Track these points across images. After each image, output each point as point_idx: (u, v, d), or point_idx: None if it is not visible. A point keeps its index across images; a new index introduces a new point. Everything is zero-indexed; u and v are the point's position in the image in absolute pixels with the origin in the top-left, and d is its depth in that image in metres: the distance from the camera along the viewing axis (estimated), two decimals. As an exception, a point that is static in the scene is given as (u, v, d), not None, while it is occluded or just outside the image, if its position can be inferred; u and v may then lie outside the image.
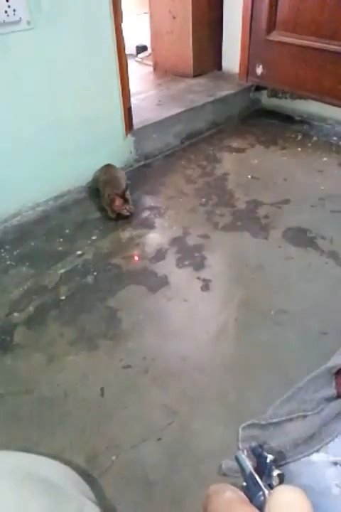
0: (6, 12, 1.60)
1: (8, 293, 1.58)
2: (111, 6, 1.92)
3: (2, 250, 1.79)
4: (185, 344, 1.37)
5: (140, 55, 3.56)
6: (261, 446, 0.70)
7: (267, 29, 2.60)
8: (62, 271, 1.67)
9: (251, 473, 0.64)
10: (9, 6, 1.60)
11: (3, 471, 0.57)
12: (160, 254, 1.73)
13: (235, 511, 0.57)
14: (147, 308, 1.50)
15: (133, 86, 2.37)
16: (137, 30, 3.54)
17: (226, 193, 2.10)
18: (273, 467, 0.63)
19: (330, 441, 1.05)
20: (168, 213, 1.98)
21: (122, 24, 2.01)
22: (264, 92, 2.95)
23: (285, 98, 2.85)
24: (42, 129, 1.88)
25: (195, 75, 2.98)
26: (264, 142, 2.56)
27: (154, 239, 1.84)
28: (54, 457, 0.72)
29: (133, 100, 2.30)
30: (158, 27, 3.05)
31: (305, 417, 1.11)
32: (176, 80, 3.00)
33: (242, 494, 0.59)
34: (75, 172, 2.09)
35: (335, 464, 1.02)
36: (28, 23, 1.68)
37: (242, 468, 0.67)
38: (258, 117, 2.88)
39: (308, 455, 1.03)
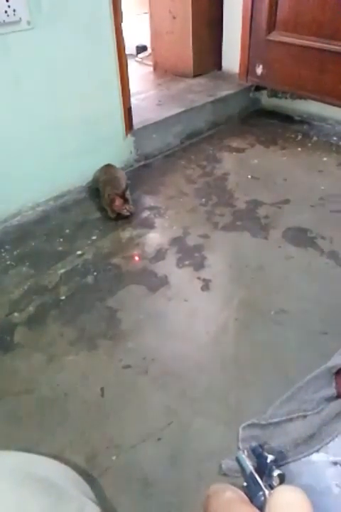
0: (6, 12, 1.60)
1: (8, 293, 1.58)
2: (111, 6, 1.92)
3: (2, 250, 1.79)
4: (185, 344, 1.37)
5: (140, 55, 3.56)
6: (261, 446, 0.70)
7: (267, 29, 2.60)
8: (62, 271, 1.67)
9: (251, 473, 0.64)
10: (9, 6, 1.61)
11: (3, 470, 0.57)
12: (160, 254, 1.73)
13: (235, 511, 0.57)
14: (147, 309, 1.50)
15: (133, 86, 2.37)
16: (137, 30, 3.54)
17: (226, 193, 2.10)
18: (274, 467, 0.63)
19: (330, 441, 1.05)
20: (168, 213, 1.98)
21: (122, 24, 2.01)
22: (264, 92, 2.95)
23: (285, 98, 2.85)
24: (42, 129, 1.88)
25: (195, 75, 2.98)
26: (264, 142, 2.56)
27: (154, 239, 1.84)
28: (54, 457, 0.72)
29: (133, 100, 2.30)
30: (158, 27, 3.05)
31: (305, 417, 1.11)
32: (176, 79, 3.00)
33: (242, 494, 0.59)
34: (75, 172, 2.09)
35: (335, 463, 1.02)
36: (28, 23, 1.68)
37: (242, 469, 0.67)
38: (258, 117, 2.88)
39: (308, 455, 1.03)
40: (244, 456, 0.69)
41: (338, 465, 1.01)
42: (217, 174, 2.27)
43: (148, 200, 2.08)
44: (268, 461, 0.66)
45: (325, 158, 2.36)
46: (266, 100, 2.98)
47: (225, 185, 2.17)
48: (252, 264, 1.67)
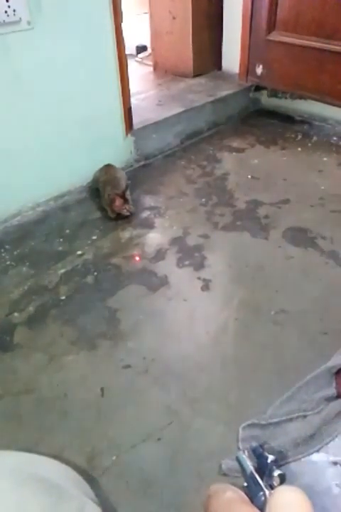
0: (6, 12, 1.60)
1: (8, 293, 1.58)
2: (111, 6, 1.92)
3: (2, 250, 1.79)
4: (185, 344, 1.37)
5: (140, 55, 3.56)
6: (261, 446, 0.70)
7: (267, 29, 2.60)
8: (62, 271, 1.67)
9: (251, 474, 0.65)
10: (9, 6, 1.60)
11: (4, 470, 0.57)
12: (160, 254, 1.73)
13: (236, 511, 0.57)
14: (147, 308, 1.50)
15: (133, 86, 2.37)
16: (137, 30, 3.54)
17: (226, 193, 2.10)
18: (274, 467, 0.63)
19: (330, 441, 1.06)
20: (168, 213, 1.98)
21: (122, 24, 2.01)
22: (264, 92, 2.95)
23: (285, 98, 2.85)
24: (42, 129, 1.88)
25: (195, 75, 2.98)
26: (264, 142, 2.56)
27: (154, 239, 1.84)
28: (54, 457, 0.72)
29: (133, 100, 2.30)
30: (158, 27, 3.05)
31: (305, 417, 1.11)
32: (176, 79, 3.00)
33: (243, 494, 0.60)
34: (75, 172, 2.09)
35: (335, 463, 1.02)
36: (28, 23, 1.68)
37: (243, 469, 0.67)
38: (258, 117, 2.88)
39: (308, 455, 1.03)
40: (244, 456, 0.69)
41: (338, 465, 1.01)
42: (217, 174, 2.27)
43: (148, 200, 2.08)
44: (269, 461, 0.66)
45: (325, 158, 2.36)
46: (266, 100, 2.98)
47: (225, 185, 2.17)
48: (252, 264, 1.67)
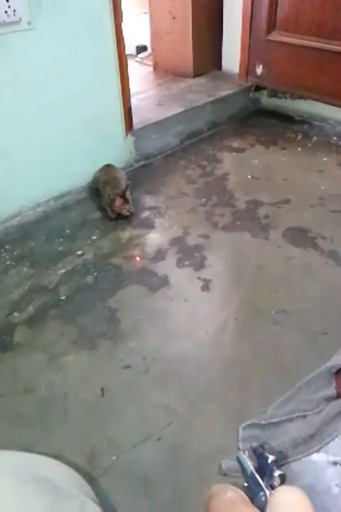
0: (6, 12, 1.60)
1: (8, 293, 1.58)
2: (111, 6, 1.92)
3: (2, 250, 1.79)
4: (185, 344, 1.37)
5: (140, 55, 3.56)
6: (262, 446, 0.70)
7: (267, 29, 2.60)
8: (63, 271, 1.67)
9: (252, 474, 0.64)
10: (9, 7, 1.60)
11: (5, 470, 0.57)
12: (160, 254, 1.73)
13: (237, 511, 0.57)
14: (147, 308, 1.50)
15: (133, 86, 2.37)
16: (137, 30, 3.54)
17: (226, 193, 2.10)
18: (275, 467, 0.63)
19: (330, 441, 1.06)
20: (168, 213, 1.98)
21: (122, 24, 2.01)
22: (264, 92, 2.95)
23: (285, 98, 2.85)
24: (42, 129, 1.88)
25: (195, 75, 2.98)
26: (264, 142, 2.56)
27: (154, 239, 1.84)
28: (54, 457, 0.72)
29: (133, 100, 2.30)
30: (158, 27, 3.05)
31: (305, 416, 1.11)
32: (176, 79, 3.00)
33: (243, 494, 0.60)
34: (75, 172, 2.09)
35: (335, 463, 1.02)
36: (29, 23, 1.68)
37: (243, 469, 0.67)
38: (258, 117, 2.88)
39: (308, 455, 1.03)
40: (245, 456, 0.69)
41: (338, 465, 1.01)
42: (217, 174, 2.27)
43: (148, 200, 2.08)
44: (269, 461, 0.66)
45: (325, 158, 2.36)
46: (266, 100, 2.98)
47: (225, 186, 2.17)
48: (252, 264, 1.67)
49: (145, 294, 1.55)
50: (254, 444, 0.71)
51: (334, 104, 2.49)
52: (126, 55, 2.10)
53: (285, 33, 2.53)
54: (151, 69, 3.26)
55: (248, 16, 2.67)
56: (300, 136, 2.61)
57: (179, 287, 1.57)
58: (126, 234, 1.86)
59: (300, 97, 2.75)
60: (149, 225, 1.91)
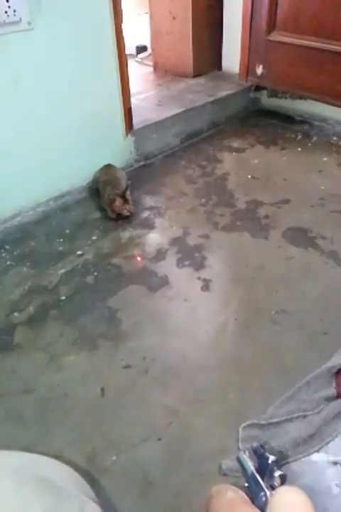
0: (6, 12, 1.60)
1: (8, 293, 1.58)
2: (111, 6, 1.92)
3: (2, 250, 1.79)
4: (185, 344, 1.37)
5: (140, 55, 3.56)
6: (262, 446, 0.70)
7: (267, 29, 2.60)
8: (63, 271, 1.67)
9: (252, 474, 0.65)
10: (9, 7, 1.60)
11: (5, 470, 0.57)
12: (160, 254, 1.73)
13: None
14: (147, 308, 1.50)
15: (133, 86, 2.37)
16: (137, 30, 3.54)
17: (227, 193, 2.10)
18: (275, 468, 0.63)
19: (330, 441, 1.06)
20: (168, 213, 1.98)
21: (122, 24, 2.01)
22: (264, 92, 2.95)
23: (285, 98, 2.85)
24: (42, 129, 1.88)
25: (195, 75, 2.98)
26: (264, 142, 2.56)
27: (154, 239, 1.84)
28: (55, 457, 0.72)
29: (133, 100, 2.30)
30: (158, 27, 3.05)
31: (305, 417, 1.11)
32: (176, 80, 2.99)
33: (244, 495, 0.60)
34: (75, 172, 2.09)
35: (335, 463, 1.02)
36: (29, 23, 1.68)
37: (244, 469, 0.68)
38: (258, 117, 2.88)
39: (308, 455, 1.03)
40: (245, 456, 0.69)
41: (338, 465, 1.01)
42: (217, 174, 2.27)
43: (148, 201, 2.08)
44: (270, 461, 0.66)
45: (325, 158, 2.36)
46: (266, 100, 2.98)
47: (225, 186, 2.17)
48: (252, 264, 1.67)
49: (145, 294, 1.55)
50: (255, 445, 0.71)
51: (334, 104, 2.49)
52: (126, 55, 2.10)
53: (285, 33, 2.53)
54: (151, 69, 3.26)
55: (248, 16, 2.67)
56: (300, 136, 2.61)
57: (179, 287, 1.57)
58: (126, 234, 1.86)
59: (300, 97, 2.75)
60: (149, 225, 1.91)
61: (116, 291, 1.57)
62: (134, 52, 3.57)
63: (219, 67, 3.08)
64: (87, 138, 2.07)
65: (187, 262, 1.68)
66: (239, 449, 1.04)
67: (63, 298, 1.55)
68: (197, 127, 2.64)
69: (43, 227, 1.93)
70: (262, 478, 0.62)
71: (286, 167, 2.30)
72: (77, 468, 0.74)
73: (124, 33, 2.04)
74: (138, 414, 1.17)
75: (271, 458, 0.65)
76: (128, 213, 1.91)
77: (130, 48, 3.13)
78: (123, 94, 2.14)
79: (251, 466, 0.66)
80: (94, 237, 1.84)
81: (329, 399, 1.13)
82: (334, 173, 2.24)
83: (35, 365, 1.32)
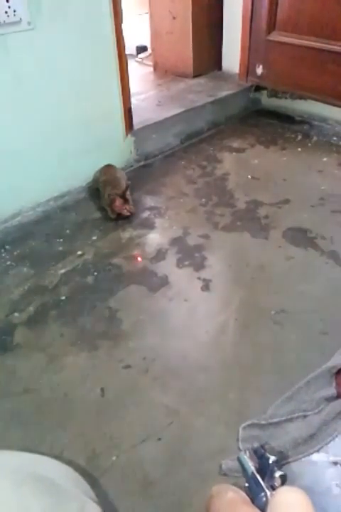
0: (6, 13, 1.60)
1: (8, 293, 1.58)
2: (111, 6, 1.92)
3: (2, 250, 1.79)
4: (185, 344, 1.37)
5: (140, 55, 3.56)
6: (263, 447, 0.70)
7: (267, 29, 2.60)
8: (63, 271, 1.67)
9: (253, 474, 0.65)
10: (9, 7, 1.60)
11: (4, 470, 0.57)
12: (160, 255, 1.73)
13: None
14: (147, 309, 1.50)
15: (133, 86, 2.37)
16: (137, 30, 3.54)
17: (227, 193, 2.10)
18: (276, 468, 0.63)
19: (330, 441, 1.06)
20: (168, 213, 1.98)
21: (122, 24, 2.01)
22: (264, 92, 2.95)
23: (285, 98, 2.85)
24: (42, 129, 1.88)
25: (195, 75, 2.98)
26: (264, 142, 2.56)
27: (154, 239, 1.84)
28: (55, 457, 0.72)
29: (133, 100, 2.30)
30: (158, 27, 3.05)
31: (305, 417, 1.11)
32: (176, 80, 3.00)
33: (244, 495, 0.60)
34: (75, 172, 2.09)
35: (335, 463, 1.02)
36: (29, 23, 1.68)
37: (244, 469, 0.67)
38: (258, 117, 2.88)
39: (308, 455, 1.03)
40: (245, 456, 0.69)
41: (338, 465, 1.01)
42: (217, 174, 2.27)
43: (149, 201, 2.08)
44: (270, 462, 0.66)
45: (325, 158, 2.36)
46: (266, 100, 2.98)
47: (225, 186, 2.17)
48: (252, 264, 1.67)
49: (145, 294, 1.55)
50: (255, 445, 0.71)
51: (334, 104, 2.49)
52: (126, 55, 2.10)
53: (285, 33, 2.53)
54: (151, 69, 3.26)
55: (248, 16, 2.67)
56: (300, 136, 2.61)
57: (179, 287, 1.57)
58: (126, 234, 1.86)
59: (300, 97, 2.75)
60: (149, 225, 1.91)
61: (116, 291, 1.57)
62: (134, 52, 3.57)
63: (219, 67, 3.08)
64: (87, 138, 2.07)
65: (187, 262, 1.68)
66: (239, 449, 1.04)
67: (63, 298, 1.55)
68: (197, 127, 2.64)
69: (43, 227, 1.93)
70: (263, 479, 0.62)
71: (286, 167, 2.30)
72: (77, 468, 0.74)
73: (124, 33, 2.04)
74: (138, 414, 1.17)
75: (272, 458, 0.65)
76: (128, 213, 1.91)
77: (130, 48, 3.13)
78: (123, 94, 2.14)
79: (251, 466, 0.66)
80: (94, 237, 1.84)
81: (329, 399, 1.13)
82: (334, 173, 2.24)
83: (35, 366, 1.32)
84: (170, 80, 3.03)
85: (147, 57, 3.47)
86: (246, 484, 0.63)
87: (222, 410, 1.16)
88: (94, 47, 1.95)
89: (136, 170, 2.34)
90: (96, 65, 1.99)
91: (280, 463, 0.87)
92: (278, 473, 0.62)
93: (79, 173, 2.10)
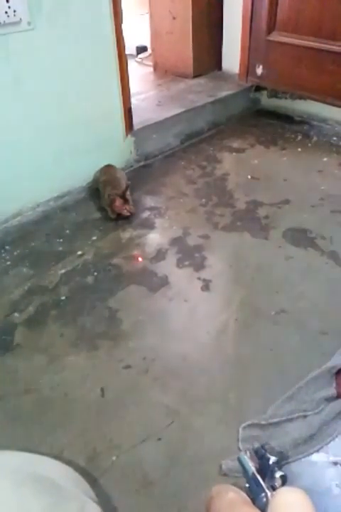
0: (6, 13, 1.60)
1: (8, 293, 1.58)
2: (111, 6, 1.92)
3: (2, 251, 1.79)
4: (185, 344, 1.37)
5: (140, 56, 3.56)
6: (263, 447, 0.70)
7: (267, 29, 2.60)
8: (63, 271, 1.67)
9: (253, 475, 0.65)
10: (9, 7, 1.60)
11: (4, 470, 0.57)
12: (160, 255, 1.73)
13: (237, 512, 0.57)
14: (147, 309, 1.50)
15: (133, 86, 2.37)
16: (137, 30, 3.54)
17: (227, 194, 2.10)
18: (276, 469, 0.63)
19: (330, 441, 1.06)
20: (168, 213, 1.98)
21: (122, 24, 2.01)
22: (264, 92, 2.95)
23: (285, 98, 2.85)
24: (42, 129, 1.88)
25: (195, 76, 2.98)
26: (264, 142, 2.56)
27: (154, 239, 1.84)
28: (55, 457, 0.72)
29: (133, 100, 2.30)
30: (158, 27, 3.05)
31: (305, 417, 1.11)
32: (176, 80, 3.00)
33: (245, 495, 0.60)
34: (75, 172, 2.09)
35: (335, 463, 1.02)
36: (29, 23, 1.68)
37: (245, 470, 0.67)
38: (258, 117, 2.88)
39: (308, 455, 1.03)
40: (246, 457, 0.69)
41: (338, 465, 1.01)
42: (217, 174, 2.27)
43: (149, 201, 2.08)
44: (271, 462, 0.66)
45: (325, 159, 2.36)
46: (266, 100, 2.98)
47: (225, 186, 2.17)
48: (252, 264, 1.67)
49: (145, 294, 1.55)
50: (256, 445, 0.71)
51: (334, 105, 2.49)
52: (126, 56, 2.10)
53: (285, 34, 2.53)
54: (151, 69, 3.26)
55: (248, 16, 2.67)
56: (300, 137, 2.61)
57: (179, 287, 1.57)
58: (126, 234, 1.86)
59: (300, 97, 2.75)
60: (149, 226, 1.91)
61: (116, 291, 1.57)
62: (134, 52, 3.57)
63: (219, 67, 3.08)
64: (87, 138, 2.07)
65: (187, 262, 1.68)
66: (239, 449, 1.04)
67: (63, 298, 1.55)
68: (197, 127, 2.64)
69: (43, 227, 1.93)
70: (263, 479, 0.62)
71: (286, 167, 2.30)
72: (77, 468, 0.74)
73: (124, 33, 2.04)
74: (138, 414, 1.17)
75: (272, 459, 0.65)
76: (128, 213, 1.91)
77: (130, 48, 3.13)
78: (123, 95, 2.14)
79: (252, 466, 0.66)
80: (94, 238, 1.84)
81: (329, 399, 1.13)
82: (334, 173, 2.24)
83: (35, 366, 1.32)
84: (170, 80, 3.03)
85: (147, 57, 3.47)
86: (247, 484, 0.63)
87: (222, 410, 1.16)
88: (94, 47, 1.95)
89: (136, 170, 2.34)
90: (97, 65, 1.99)
91: (280, 463, 0.87)
92: (278, 474, 0.62)
93: (79, 173, 2.10)
